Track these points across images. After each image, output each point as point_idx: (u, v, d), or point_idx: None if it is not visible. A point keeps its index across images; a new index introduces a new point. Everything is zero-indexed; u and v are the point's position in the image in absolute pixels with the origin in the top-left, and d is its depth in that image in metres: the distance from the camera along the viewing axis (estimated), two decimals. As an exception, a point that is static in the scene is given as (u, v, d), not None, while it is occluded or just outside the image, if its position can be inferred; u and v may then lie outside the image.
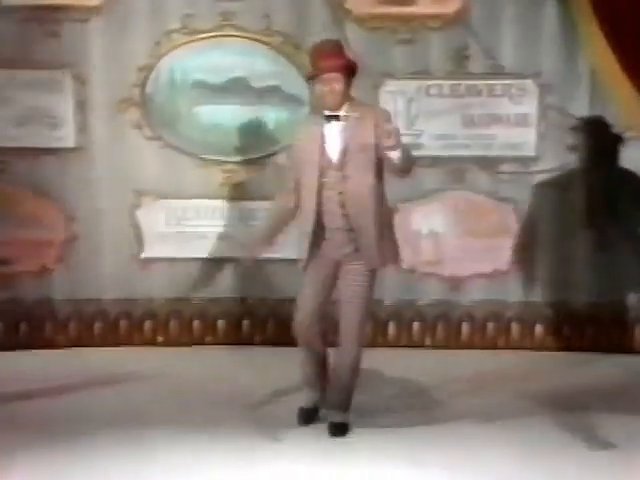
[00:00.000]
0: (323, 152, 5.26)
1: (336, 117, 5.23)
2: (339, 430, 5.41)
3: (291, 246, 6.31)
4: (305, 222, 5.33)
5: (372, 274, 5.31)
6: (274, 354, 7.00)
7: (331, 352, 5.49)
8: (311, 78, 5.36)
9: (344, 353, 5.36)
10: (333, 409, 5.52)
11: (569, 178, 7.25)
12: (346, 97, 5.24)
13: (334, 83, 5.14)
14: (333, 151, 5.24)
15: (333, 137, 5.24)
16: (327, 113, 5.25)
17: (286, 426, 5.49)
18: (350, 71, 5.28)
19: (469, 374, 6.66)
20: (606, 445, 5.11)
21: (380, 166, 5.26)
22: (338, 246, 5.29)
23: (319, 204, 5.25)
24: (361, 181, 5.20)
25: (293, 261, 6.03)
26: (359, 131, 5.21)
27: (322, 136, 5.26)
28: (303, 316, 5.35)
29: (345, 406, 5.50)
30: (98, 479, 4.77)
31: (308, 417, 5.54)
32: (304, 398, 5.61)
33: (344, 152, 5.21)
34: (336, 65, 5.16)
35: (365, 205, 5.22)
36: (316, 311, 5.36)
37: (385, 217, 5.36)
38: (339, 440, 5.32)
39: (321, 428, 5.46)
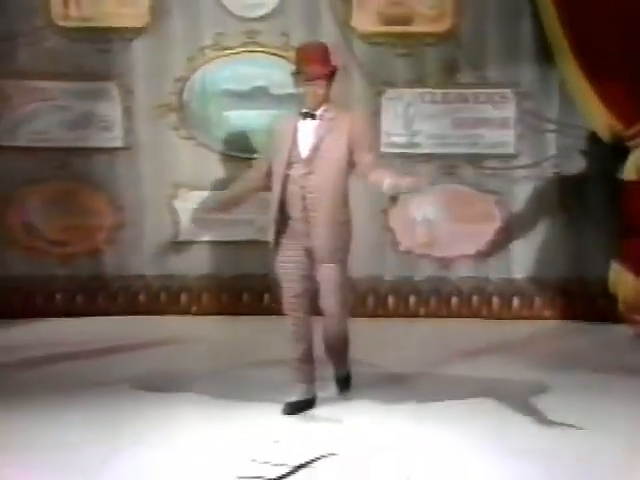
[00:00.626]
0: (294, 146, 5.18)
1: (312, 115, 5.18)
2: (344, 384, 5.48)
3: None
4: (271, 208, 5.25)
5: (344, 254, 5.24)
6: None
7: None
8: (297, 76, 5.22)
9: (329, 328, 5.20)
10: (335, 372, 5.52)
11: (543, 172, 7.52)
12: (326, 99, 5.20)
13: (318, 88, 5.12)
14: (304, 146, 5.16)
15: (306, 133, 5.17)
16: (304, 110, 5.21)
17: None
18: (333, 76, 5.26)
19: (457, 340, 6.94)
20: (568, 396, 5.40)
21: (347, 168, 5.17)
22: (301, 235, 5.18)
23: (283, 194, 5.16)
24: (325, 178, 5.10)
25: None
26: (332, 132, 5.15)
27: (295, 130, 5.20)
28: (292, 296, 5.21)
29: (341, 362, 5.47)
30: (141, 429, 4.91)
31: (299, 408, 5.27)
32: (296, 391, 5.30)
33: (314, 149, 5.13)
34: (321, 73, 5.11)
35: (323, 201, 5.11)
36: (303, 291, 5.22)
37: (342, 216, 5.19)
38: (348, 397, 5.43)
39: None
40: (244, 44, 7.56)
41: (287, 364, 5.32)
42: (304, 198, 5.12)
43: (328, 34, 7.48)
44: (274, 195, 5.23)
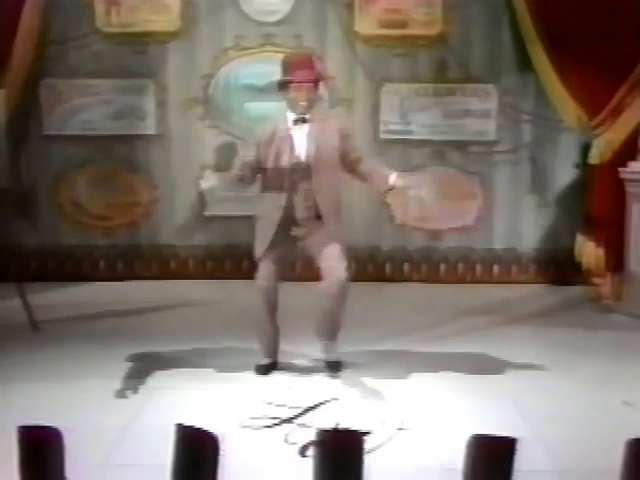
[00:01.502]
0: (292, 153, 5.01)
1: (303, 120, 5.01)
2: (334, 367, 5.26)
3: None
4: (269, 219, 5.08)
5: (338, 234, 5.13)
6: (302, 287, 7.17)
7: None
8: (283, 85, 5.01)
9: (331, 288, 5.02)
10: (323, 339, 5.34)
11: (519, 157, 7.79)
12: (314, 103, 5.08)
13: (310, 92, 4.97)
14: (301, 151, 5.02)
15: (301, 138, 5.01)
16: (295, 117, 5.03)
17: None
18: (319, 82, 5.13)
19: (445, 301, 7.18)
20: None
21: (341, 165, 5.11)
22: (302, 229, 5.08)
23: (289, 201, 5.02)
24: (328, 177, 5.03)
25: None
26: (324, 133, 5.04)
27: (290, 138, 5.01)
28: (267, 284, 5.15)
29: (333, 335, 5.30)
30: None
31: (267, 370, 5.27)
32: (262, 355, 5.33)
33: (313, 151, 5.00)
34: (311, 77, 4.98)
35: (331, 197, 5.06)
36: (277, 279, 5.19)
37: (341, 205, 5.17)
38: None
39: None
40: (261, 45, 7.76)
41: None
42: (308, 199, 5.03)
43: (334, 37, 7.77)
44: (273, 204, 5.05)
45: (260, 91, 7.73)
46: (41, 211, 7.89)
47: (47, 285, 7.33)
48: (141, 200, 7.98)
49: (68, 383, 4.97)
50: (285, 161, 5.01)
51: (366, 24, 7.75)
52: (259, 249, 5.19)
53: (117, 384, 4.93)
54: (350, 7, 7.72)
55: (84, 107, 7.79)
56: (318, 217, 5.08)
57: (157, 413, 4.45)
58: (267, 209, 5.13)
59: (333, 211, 5.11)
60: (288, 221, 5.08)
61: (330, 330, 5.30)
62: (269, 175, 5.07)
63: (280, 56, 7.38)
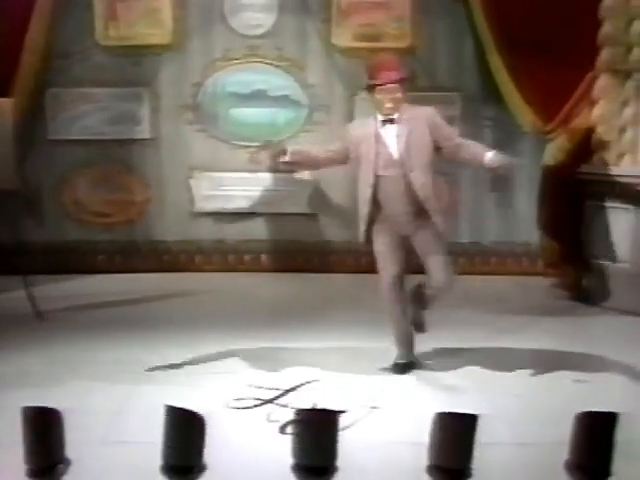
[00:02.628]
0: (382, 151, 4.78)
1: (391, 120, 4.78)
2: (406, 369, 5.02)
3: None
4: (361, 207, 4.87)
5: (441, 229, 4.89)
6: (280, 279, 7.51)
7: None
8: (370, 88, 4.82)
9: (440, 284, 4.87)
10: (405, 347, 5.08)
11: None
12: (401, 103, 4.83)
13: (396, 92, 4.75)
14: (393, 149, 4.78)
15: (391, 137, 4.78)
16: (382, 118, 4.81)
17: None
18: (405, 81, 4.87)
19: None
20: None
21: (433, 156, 4.85)
22: (402, 225, 4.84)
23: (374, 194, 4.78)
24: (423, 172, 4.76)
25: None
26: (414, 130, 4.76)
27: (378, 136, 4.79)
28: (388, 282, 4.91)
29: (413, 342, 5.10)
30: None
31: (404, 370, 5.02)
32: (398, 354, 5.08)
33: (405, 150, 4.75)
34: (396, 78, 4.77)
35: (429, 191, 4.77)
36: (399, 276, 4.93)
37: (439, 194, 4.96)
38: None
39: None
40: (246, 56, 7.75)
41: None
42: (411, 195, 4.75)
43: (313, 49, 7.80)
44: (363, 197, 4.85)
45: (244, 98, 7.79)
46: (46, 210, 7.87)
47: (52, 278, 7.27)
48: (136, 199, 7.96)
49: (69, 366, 4.99)
50: (371, 159, 4.80)
51: (343, 37, 7.76)
52: (360, 235, 4.92)
53: (114, 368, 4.94)
54: (328, 21, 7.73)
55: (85, 114, 7.78)
56: (419, 214, 4.82)
57: (150, 396, 4.42)
58: (359, 201, 4.92)
59: (436, 205, 4.85)
60: (380, 215, 4.86)
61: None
62: (359, 172, 4.90)
63: (263, 66, 7.75)
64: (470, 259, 7.92)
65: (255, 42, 7.74)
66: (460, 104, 7.73)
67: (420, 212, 4.82)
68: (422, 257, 4.93)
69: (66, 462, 3.01)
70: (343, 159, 5.04)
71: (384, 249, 4.91)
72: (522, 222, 7.76)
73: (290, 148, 5.03)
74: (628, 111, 6.61)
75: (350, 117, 7.72)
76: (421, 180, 4.77)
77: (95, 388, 4.61)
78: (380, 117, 4.84)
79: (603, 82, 6.76)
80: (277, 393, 4.49)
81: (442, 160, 5.01)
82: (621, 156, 6.68)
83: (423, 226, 4.84)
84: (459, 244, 7.83)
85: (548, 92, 6.86)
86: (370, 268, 5.16)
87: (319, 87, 7.84)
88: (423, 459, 3.14)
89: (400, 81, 4.81)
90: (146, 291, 7.08)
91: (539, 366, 5.07)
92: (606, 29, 6.64)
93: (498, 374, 4.92)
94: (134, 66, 7.69)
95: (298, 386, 4.61)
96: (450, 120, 7.31)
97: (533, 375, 4.93)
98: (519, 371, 4.97)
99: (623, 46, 6.57)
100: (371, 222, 4.90)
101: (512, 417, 4.21)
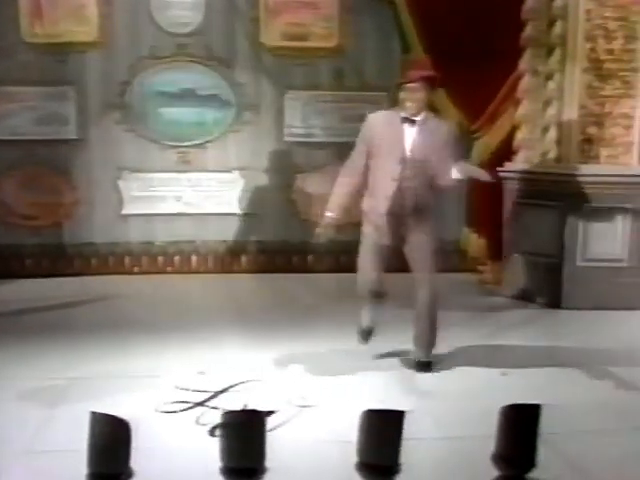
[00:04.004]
0: (404, 147, 4.75)
1: (412, 121, 4.75)
2: (424, 367, 5.01)
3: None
4: (379, 205, 4.79)
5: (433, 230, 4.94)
6: (211, 279, 7.53)
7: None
8: (399, 85, 4.80)
9: (422, 294, 4.97)
10: (420, 347, 5.07)
11: None
12: (425, 106, 4.78)
13: (416, 92, 4.70)
14: (411, 148, 4.74)
15: (410, 136, 4.74)
16: (405, 115, 4.77)
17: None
18: (431, 84, 4.80)
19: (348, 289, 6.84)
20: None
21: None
22: (403, 223, 4.81)
23: (396, 191, 4.75)
24: (427, 178, 4.75)
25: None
26: (430, 138, 4.74)
27: (403, 132, 4.75)
28: (366, 281, 4.93)
29: (431, 343, 5.07)
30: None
31: (368, 335, 5.12)
32: (363, 318, 5.10)
33: (419, 152, 4.72)
34: (418, 76, 4.73)
35: (429, 200, 4.81)
36: (378, 277, 4.95)
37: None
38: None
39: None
40: (174, 55, 7.69)
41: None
42: (416, 196, 4.78)
43: (242, 47, 7.76)
44: (382, 193, 4.79)
45: (173, 97, 7.73)
46: (-29, 212, 7.65)
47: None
48: (64, 201, 7.77)
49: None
50: (397, 151, 4.75)
51: (271, 36, 7.77)
52: (383, 239, 4.84)
53: (39, 375, 4.78)
54: (256, 20, 7.73)
55: (10, 113, 7.58)
56: (416, 214, 4.82)
57: (76, 402, 4.27)
58: (376, 200, 4.83)
59: (429, 213, 4.87)
60: (394, 214, 4.81)
61: (428, 337, 5.07)
62: (382, 164, 4.80)
63: (191, 65, 7.69)
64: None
65: (183, 40, 7.69)
66: (388, 103, 7.34)
67: (415, 216, 4.82)
68: (410, 265, 4.98)
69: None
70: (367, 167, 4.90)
71: (370, 251, 4.89)
72: (450, 220, 7.50)
73: (328, 212, 4.89)
74: (550, 111, 6.73)
75: (279, 116, 7.85)
76: (425, 185, 4.76)
77: (20, 396, 4.43)
78: (402, 114, 4.80)
79: (526, 82, 6.88)
80: (207, 395, 4.39)
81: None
82: (544, 154, 6.81)
83: (415, 232, 4.85)
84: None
85: (473, 92, 6.93)
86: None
87: (248, 86, 7.82)
88: (353, 457, 3.20)
89: (419, 80, 4.73)
90: (73, 295, 6.92)
91: (468, 359, 5.11)
92: (529, 30, 6.77)
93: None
94: (60, 64, 7.54)
95: (229, 387, 4.52)
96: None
97: (462, 369, 4.96)
98: (448, 366, 4.99)
99: (545, 47, 6.69)
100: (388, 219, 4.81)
101: (439, 413, 4.22)
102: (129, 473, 2.90)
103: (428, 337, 5.06)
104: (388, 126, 4.83)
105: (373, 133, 4.87)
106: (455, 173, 4.65)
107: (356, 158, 4.95)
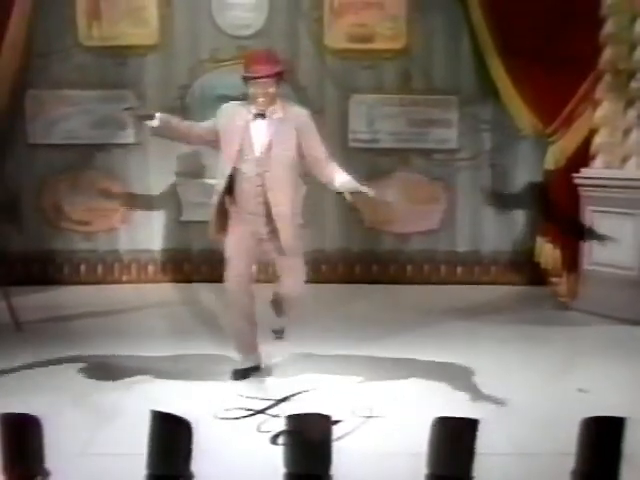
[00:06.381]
0: (246, 144, 4.77)
1: (262, 115, 4.77)
2: (279, 333, 5.22)
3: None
4: (214, 197, 4.89)
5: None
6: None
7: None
8: (246, 80, 4.78)
9: (289, 299, 5.04)
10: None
11: (480, 163, 7.78)
12: (274, 99, 4.79)
13: (268, 87, 4.71)
14: (257, 145, 4.77)
15: (258, 132, 4.78)
16: (255, 111, 4.78)
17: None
18: (280, 76, 4.83)
19: (412, 300, 7.19)
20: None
21: (298, 165, 4.86)
22: (256, 227, 4.83)
23: (227, 188, 4.80)
24: (282, 175, 4.77)
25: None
26: (282, 131, 4.76)
27: (247, 128, 4.78)
28: (235, 279, 4.91)
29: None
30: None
31: (245, 375, 5.06)
32: (240, 361, 5.12)
33: (267, 148, 4.75)
34: (268, 72, 4.70)
35: (283, 197, 4.78)
36: (246, 274, 4.97)
37: (296, 205, 4.92)
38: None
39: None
40: (235, 57, 7.51)
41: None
42: (262, 195, 4.77)
43: (305, 49, 7.77)
44: (218, 185, 4.86)
45: (234, 101, 7.67)
46: (25, 216, 7.76)
47: (31, 288, 7.17)
48: (120, 206, 7.86)
49: (47, 377, 4.93)
50: (235, 149, 4.78)
51: (335, 38, 7.76)
52: (210, 227, 4.97)
53: (95, 380, 4.89)
54: (320, 21, 7.72)
55: (66, 117, 7.70)
56: (270, 217, 4.81)
57: (134, 406, 4.33)
58: (215, 190, 4.93)
59: (286, 213, 4.82)
60: (235, 211, 4.88)
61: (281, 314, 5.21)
62: (222, 161, 4.88)
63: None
64: (469, 269, 7.91)
65: (245, 42, 7.59)
66: (457, 107, 7.76)
67: (269, 216, 4.82)
68: (276, 262, 5.01)
69: (45, 473, 2.96)
70: (213, 139, 4.94)
71: (235, 247, 4.90)
72: (522, 229, 7.76)
73: (159, 114, 4.90)
74: (632, 112, 6.64)
75: (343, 120, 7.84)
76: (276, 184, 4.77)
77: (76, 400, 4.52)
78: (253, 110, 4.82)
79: (606, 82, 6.76)
80: (269, 403, 4.42)
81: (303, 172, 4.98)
82: (625, 159, 6.70)
83: (276, 231, 4.82)
84: (457, 253, 7.90)
85: (549, 93, 6.85)
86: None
87: (311, 89, 7.79)
88: (421, 470, 3.15)
89: (272, 76, 4.75)
90: (130, 302, 7.02)
91: (543, 375, 5.06)
92: (609, 27, 6.67)
93: (498, 384, 4.83)
94: (118, 67, 7.65)
95: (291, 396, 4.55)
96: (447, 124, 7.74)
97: (537, 385, 4.90)
98: (522, 382, 4.93)
99: (626, 44, 6.61)
100: (224, 215, 4.89)
101: (513, 428, 4.17)
102: (189, 476, 2.89)
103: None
104: (231, 122, 4.84)
105: (219, 129, 4.88)
106: (338, 185, 4.66)
107: (204, 123, 5.00)
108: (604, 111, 6.82)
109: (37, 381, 4.86)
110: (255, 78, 4.71)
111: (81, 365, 5.17)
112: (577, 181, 6.88)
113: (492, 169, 7.82)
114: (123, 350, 5.53)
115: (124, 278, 7.89)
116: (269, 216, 4.80)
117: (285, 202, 4.81)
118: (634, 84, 6.62)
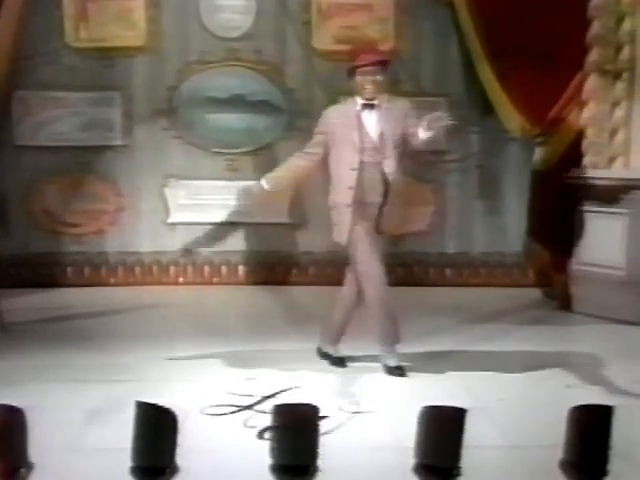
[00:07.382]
0: (363, 135, 4.85)
1: (371, 105, 4.87)
2: (397, 372, 4.97)
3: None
4: (343, 198, 4.84)
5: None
6: (260, 291, 7.47)
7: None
8: (352, 70, 4.87)
9: (371, 292, 4.92)
10: (385, 345, 5.04)
11: (468, 165, 7.82)
12: (382, 89, 4.92)
13: (376, 75, 4.83)
14: (373, 134, 4.86)
15: (370, 122, 4.87)
16: (363, 101, 4.89)
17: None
18: (386, 66, 4.97)
19: (401, 303, 7.27)
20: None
21: (402, 149, 4.95)
22: (369, 216, 4.87)
23: (359, 179, 4.82)
24: (396, 162, 4.87)
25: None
26: (391, 120, 4.86)
27: (360, 119, 4.87)
28: (378, 285, 4.91)
29: (395, 340, 5.02)
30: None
31: (344, 362, 5.17)
32: (332, 349, 5.24)
33: (382, 136, 4.84)
34: (377, 60, 4.88)
35: (397, 182, 4.89)
36: (383, 271, 4.95)
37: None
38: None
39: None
40: (224, 59, 7.75)
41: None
42: (385, 183, 4.86)
43: (293, 52, 7.80)
44: (346, 181, 4.84)
45: (222, 103, 7.78)
46: (13, 219, 7.73)
47: (18, 291, 7.09)
48: (108, 208, 7.87)
49: (33, 376, 4.87)
50: (356, 141, 4.85)
51: (323, 40, 7.79)
52: (342, 235, 4.91)
53: (82, 379, 4.83)
54: (308, 24, 7.77)
55: (54, 119, 7.71)
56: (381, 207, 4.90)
57: (120, 405, 4.18)
58: (339, 192, 4.91)
59: (394, 200, 4.92)
60: (357, 207, 4.86)
61: (390, 330, 5.03)
62: (339, 156, 4.90)
63: (241, 70, 7.72)
64: (458, 271, 7.92)
65: (233, 45, 7.74)
66: (445, 109, 7.33)
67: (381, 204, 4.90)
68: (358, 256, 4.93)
69: (28, 466, 2.95)
70: (323, 159, 5.00)
71: (368, 249, 4.86)
72: (512, 231, 7.77)
73: (263, 180, 5.03)
74: (619, 112, 6.65)
75: (331, 123, 7.85)
76: (393, 168, 4.87)
77: (64, 398, 4.49)
78: (360, 101, 4.92)
79: (593, 83, 6.78)
80: (256, 399, 4.40)
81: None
82: (613, 159, 6.71)
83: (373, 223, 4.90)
84: (446, 255, 7.91)
85: (536, 95, 6.89)
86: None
87: (299, 92, 7.83)
88: (408, 462, 3.14)
89: (381, 63, 4.90)
90: (116, 304, 6.99)
91: (533, 373, 5.06)
92: (595, 28, 6.68)
93: (486, 379, 4.89)
94: (106, 69, 7.67)
95: (278, 392, 4.52)
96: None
97: (527, 381, 4.91)
98: (512, 378, 4.93)
99: (613, 45, 6.62)
100: (352, 214, 4.85)
101: (503, 421, 4.17)
102: (174, 468, 2.88)
103: (391, 335, 5.01)
104: (343, 117, 4.93)
105: (329, 126, 4.94)
106: (422, 133, 4.71)
107: (311, 147, 5.04)
108: (591, 112, 6.81)
109: (23, 379, 4.77)
110: (365, 65, 4.82)
111: (68, 364, 5.13)
112: (567, 181, 6.85)
113: (480, 171, 7.83)
114: (110, 350, 5.52)
115: (111, 280, 7.83)
116: (384, 204, 4.88)
117: (397, 189, 4.93)
118: (620, 84, 6.61)
